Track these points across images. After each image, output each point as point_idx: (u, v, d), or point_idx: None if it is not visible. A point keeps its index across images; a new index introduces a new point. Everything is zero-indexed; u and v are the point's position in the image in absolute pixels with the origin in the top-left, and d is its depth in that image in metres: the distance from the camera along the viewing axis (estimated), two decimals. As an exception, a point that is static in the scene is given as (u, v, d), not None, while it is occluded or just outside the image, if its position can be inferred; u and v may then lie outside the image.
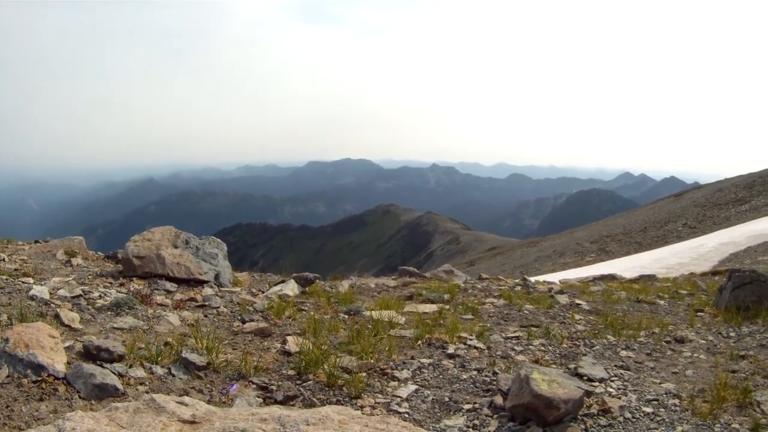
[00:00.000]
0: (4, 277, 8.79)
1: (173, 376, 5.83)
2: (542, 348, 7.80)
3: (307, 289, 10.72)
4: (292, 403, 5.54)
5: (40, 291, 8.01)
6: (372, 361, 6.72)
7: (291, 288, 10.42)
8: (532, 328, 8.85)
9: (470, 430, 5.27)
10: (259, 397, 5.64)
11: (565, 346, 7.95)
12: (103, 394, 5.08)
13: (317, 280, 11.30)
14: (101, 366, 5.51)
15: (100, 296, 8.45)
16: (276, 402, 5.51)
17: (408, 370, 6.64)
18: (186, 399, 3.80)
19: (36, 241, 13.49)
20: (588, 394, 5.59)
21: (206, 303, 8.91)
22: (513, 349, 7.65)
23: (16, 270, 9.55)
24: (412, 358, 7.06)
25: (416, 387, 6.17)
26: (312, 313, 9.02)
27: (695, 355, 7.68)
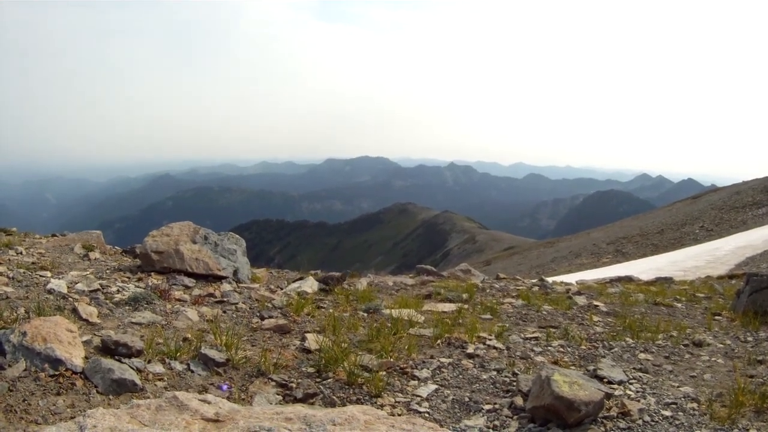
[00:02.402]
0: (22, 270, 8.83)
1: (192, 372, 5.82)
2: (561, 349, 7.75)
3: (331, 288, 10.69)
4: (312, 401, 5.52)
5: (58, 285, 8.03)
6: (392, 359, 6.69)
7: (309, 285, 10.42)
8: (550, 329, 8.81)
9: (490, 430, 5.23)
10: (278, 394, 5.61)
11: (584, 347, 7.91)
12: (121, 389, 5.07)
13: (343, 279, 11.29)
14: (119, 361, 5.51)
15: (118, 291, 8.47)
16: (296, 400, 5.49)
17: (428, 369, 6.60)
18: (209, 396, 3.76)
19: (53, 235, 13.56)
20: (608, 396, 5.55)
21: (225, 299, 8.92)
22: (532, 350, 7.61)
23: (33, 263, 9.60)
24: (432, 357, 7.03)
25: (436, 386, 6.13)
26: (331, 310, 9.02)
27: (713, 359, 7.63)
